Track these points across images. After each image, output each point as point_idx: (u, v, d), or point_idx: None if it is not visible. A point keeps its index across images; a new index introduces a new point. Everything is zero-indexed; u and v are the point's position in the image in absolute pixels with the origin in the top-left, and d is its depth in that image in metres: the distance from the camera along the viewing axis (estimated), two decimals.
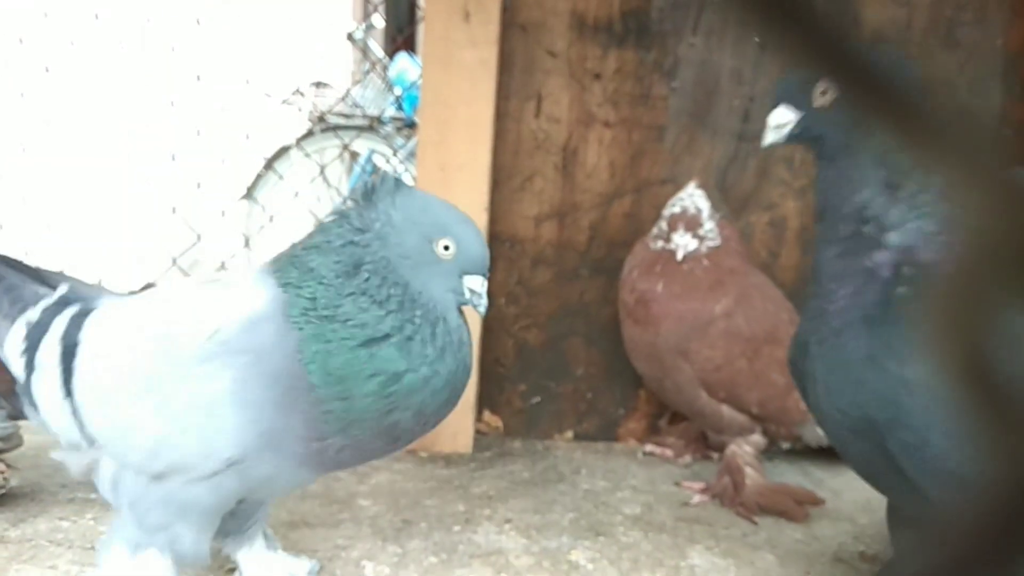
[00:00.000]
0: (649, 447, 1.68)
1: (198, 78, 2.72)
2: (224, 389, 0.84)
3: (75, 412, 0.93)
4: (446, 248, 0.88)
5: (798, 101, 0.98)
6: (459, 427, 1.60)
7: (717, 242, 1.46)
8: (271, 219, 2.99)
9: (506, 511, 1.36)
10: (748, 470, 1.44)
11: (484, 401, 1.71)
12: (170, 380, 0.87)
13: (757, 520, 1.38)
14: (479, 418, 1.71)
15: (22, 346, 0.97)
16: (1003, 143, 0.91)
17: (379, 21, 4.33)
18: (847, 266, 0.93)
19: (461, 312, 0.93)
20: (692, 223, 1.46)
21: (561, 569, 1.18)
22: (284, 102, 3.78)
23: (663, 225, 1.48)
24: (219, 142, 3.03)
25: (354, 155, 3.95)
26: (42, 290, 1.02)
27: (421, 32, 1.68)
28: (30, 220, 2.78)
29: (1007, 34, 1.62)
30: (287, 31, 3.96)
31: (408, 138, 3.69)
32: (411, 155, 3.50)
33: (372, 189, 0.89)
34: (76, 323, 0.95)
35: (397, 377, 0.85)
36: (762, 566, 1.23)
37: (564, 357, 1.71)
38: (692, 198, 1.47)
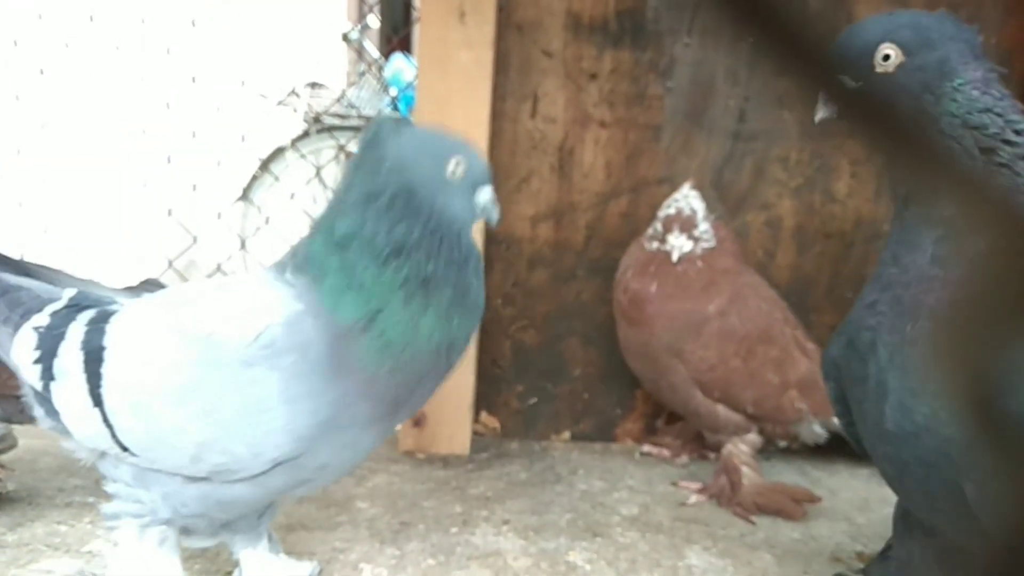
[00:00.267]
0: (646, 447, 1.68)
1: (194, 80, 2.72)
2: (274, 391, 0.85)
3: (105, 420, 0.90)
4: (454, 164, 0.90)
5: (857, 69, 0.88)
6: (456, 428, 1.60)
7: (712, 243, 1.46)
8: (267, 221, 2.99)
9: (504, 512, 1.36)
10: (745, 469, 1.44)
11: (481, 402, 1.71)
12: (215, 386, 0.86)
13: (754, 520, 1.38)
14: (476, 419, 1.71)
15: (35, 354, 0.94)
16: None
17: (374, 22, 4.32)
18: (955, 250, 0.81)
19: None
20: (687, 224, 1.46)
21: (559, 570, 1.18)
22: (280, 103, 3.78)
23: (658, 226, 1.49)
24: (215, 144, 3.03)
25: (350, 156, 3.95)
26: (45, 292, 0.99)
27: (417, 33, 1.68)
28: (26, 222, 2.78)
29: (1001, 32, 1.63)
30: (282, 32, 3.95)
31: None
32: None
33: (376, 134, 0.91)
34: (96, 328, 0.92)
35: (445, 311, 0.88)
36: (760, 566, 1.23)
37: (561, 358, 1.71)
38: (687, 199, 1.47)
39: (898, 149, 0.24)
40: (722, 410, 1.46)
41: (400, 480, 1.46)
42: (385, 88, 3.98)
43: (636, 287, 1.47)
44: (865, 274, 1.70)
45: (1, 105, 3.08)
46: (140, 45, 3.15)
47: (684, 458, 1.63)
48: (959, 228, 0.81)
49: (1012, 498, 0.23)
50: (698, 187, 1.50)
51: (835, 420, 1.52)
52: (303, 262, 0.89)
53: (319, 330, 0.85)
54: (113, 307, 0.95)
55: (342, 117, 3.79)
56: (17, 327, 0.96)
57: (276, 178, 3.42)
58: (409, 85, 3.69)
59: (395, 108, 3.90)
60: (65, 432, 0.96)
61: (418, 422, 1.59)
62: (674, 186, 1.57)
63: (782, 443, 1.54)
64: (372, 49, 4.14)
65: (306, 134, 3.60)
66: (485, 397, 1.71)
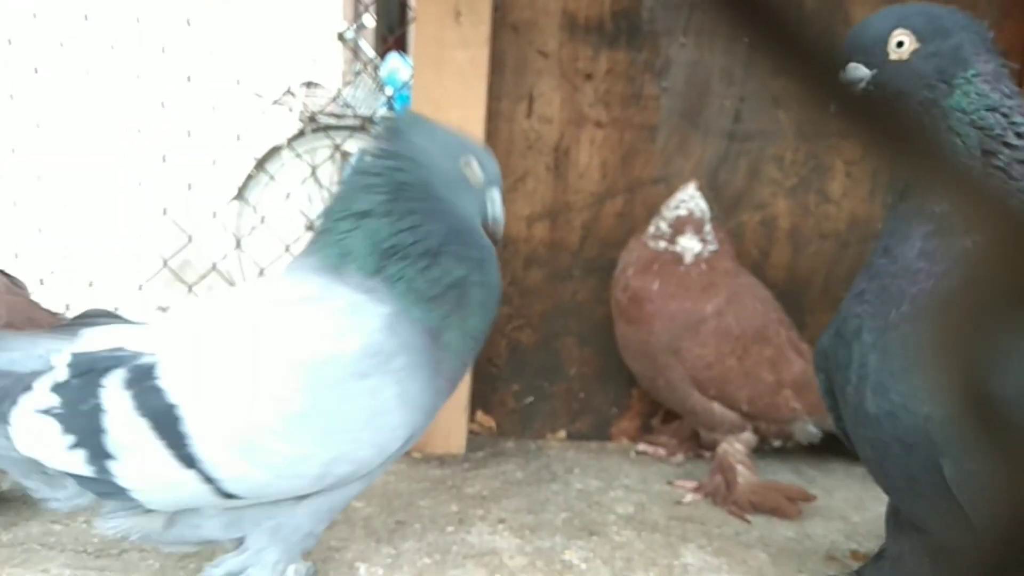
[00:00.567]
0: (642, 446, 1.68)
1: (189, 79, 2.71)
2: (391, 394, 0.86)
3: (206, 477, 0.83)
4: (466, 163, 0.93)
5: (871, 56, 0.88)
6: (452, 427, 1.60)
7: (715, 246, 1.48)
8: (262, 220, 2.98)
9: (499, 511, 1.36)
10: (740, 468, 1.45)
11: (477, 401, 1.71)
12: (334, 405, 0.85)
13: (750, 518, 1.39)
14: (472, 418, 1.71)
15: (67, 439, 0.83)
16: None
17: (370, 21, 4.32)
18: (942, 246, 0.83)
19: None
20: (698, 226, 1.47)
21: (555, 569, 1.19)
22: (275, 102, 3.77)
23: (663, 226, 1.49)
24: (210, 143, 3.02)
25: (345, 155, 3.94)
26: (6, 370, 0.86)
27: (412, 32, 1.68)
28: (21, 222, 2.77)
29: (998, 33, 1.62)
30: (278, 31, 3.95)
31: None
32: None
33: (395, 125, 0.94)
34: (147, 388, 0.83)
35: (492, 292, 0.95)
36: (755, 564, 1.23)
37: (557, 357, 1.71)
38: (695, 200, 1.48)
39: (899, 147, 0.25)
40: (718, 408, 1.47)
41: (396, 479, 1.46)
42: (381, 88, 3.98)
43: (637, 285, 1.48)
44: None
45: None
46: (135, 44, 3.14)
47: (680, 457, 1.64)
48: (949, 225, 0.83)
49: (998, 483, 0.23)
50: (701, 188, 1.51)
51: (828, 419, 1.54)
52: (361, 265, 0.89)
53: (411, 328, 0.88)
54: (139, 360, 0.85)
55: (338, 116, 3.78)
56: (3, 417, 0.84)
57: (272, 177, 3.42)
58: (405, 85, 3.69)
59: (391, 108, 3.89)
60: (129, 507, 0.86)
61: None
62: (670, 186, 1.58)
63: (776, 442, 1.54)
64: (368, 48, 4.13)
65: (302, 133, 3.59)
66: (481, 396, 1.71)
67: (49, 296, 1.76)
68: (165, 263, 2.28)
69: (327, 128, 3.63)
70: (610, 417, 1.74)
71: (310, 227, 3.52)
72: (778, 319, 1.51)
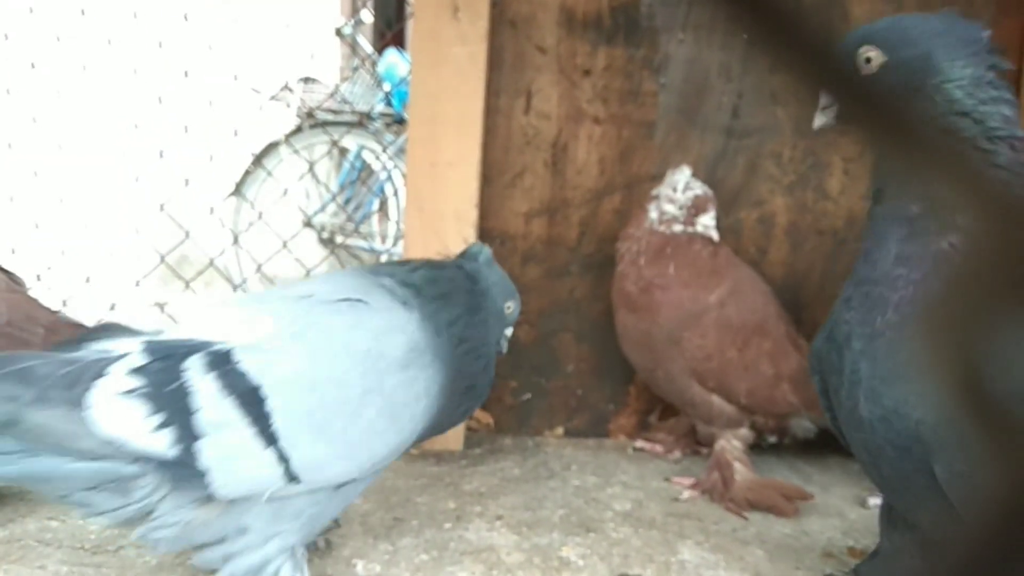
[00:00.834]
0: (639, 443, 1.68)
1: (186, 74, 2.71)
2: (422, 385, 1.01)
3: (283, 458, 0.89)
4: (509, 307, 1.18)
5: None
6: None
7: (717, 235, 1.50)
8: (260, 216, 2.98)
9: (497, 508, 1.36)
10: (737, 465, 1.45)
11: None
12: (386, 390, 0.97)
13: (747, 515, 1.39)
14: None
15: (156, 419, 0.85)
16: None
17: (368, 16, 4.31)
18: (918, 249, 0.85)
19: None
20: (713, 204, 1.49)
21: (552, 565, 1.19)
22: (272, 98, 3.77)
23: (672, 209, 1.48)
24: (207, 138, 3.02)
25: (343, 151, 3.94)
26: (68, 358, 0.88)
27: (410, 28, 1.68)
28: (18, 218, 2.77)
29: (994, 31, 1.62)
30: (275, 27, 3.94)
31: (398, 134, 3.68)
32: (401, 151, 3.50)
33: (477, 256, 1.16)
34: (229, 371, 0.88)
35: (483, 390, 1.15)
36: (752, 561, 1.24)
37: (554, 354, 1.71)
38: (696, 181, 1.49)
39: (898, 139, 0.25)
40: (717, 401, 1.47)
41: (393, 476, 1.46)
42: (378, 83, 3.98)
43: (651, 273, 1.47)
44: None
45: None
46: (132, 39, 3.14)
47: (677, 454, 1.64)
48: (924, 227, 0.84)
49: (993, 477, 0.23)
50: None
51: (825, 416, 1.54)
52: (402, 284, 1.05)
53: (431, 336, 1.04)
54: (214, 347, 0.90)
55: (335, 112, 3.78)
56: (77, 402, 0.84)
57: (269, 173, 3.41)
58: (403, 80, 3.68)
59: (389, 103, 3.89)
60: (193, 498, 0.88)
61: None
62: None
63: (772, 438, 1.54)
64: (366, 44, 4.13)
65: (299, 129, 3.59)
66: None
67: (46, 292, 1.75)
68: (162, 259, 2.27)
69: (325, 124, 3.62)
70: (607, 414, 1.74)
71: (307, 223, 3.52)
72: (777, 313, 1.51)
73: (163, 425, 0.85)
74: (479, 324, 1.10)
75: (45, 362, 0.86)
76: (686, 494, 1.46)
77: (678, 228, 1.48)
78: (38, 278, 2.14)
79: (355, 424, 0.94)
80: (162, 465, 0.86)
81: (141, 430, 0.85)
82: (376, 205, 3.89)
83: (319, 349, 0.94)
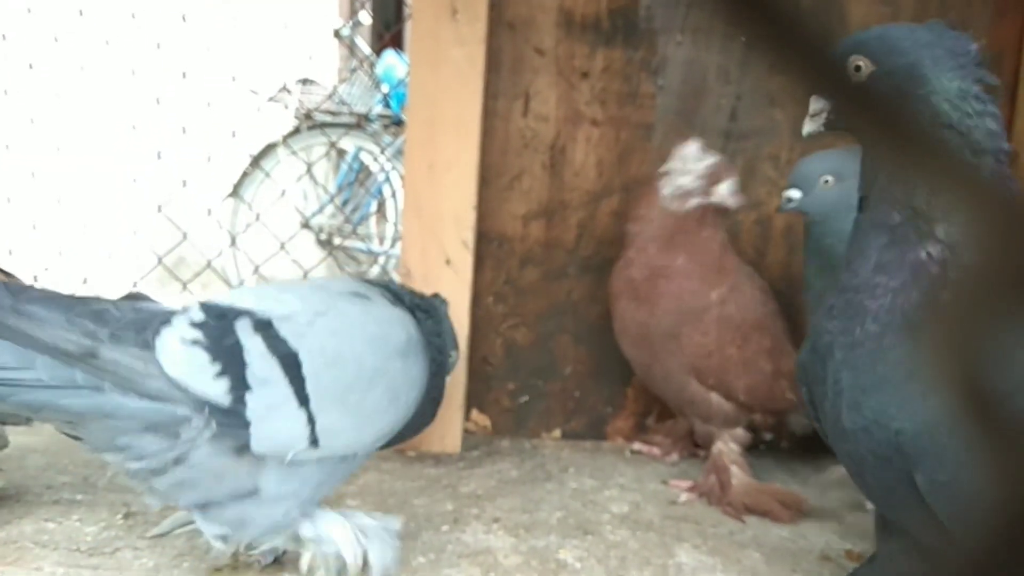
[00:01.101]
0: (637, 445, 1.68)
1: (184, 75, 2.71)
2: (418, 369, 1.13)
3: (310, 419, 0.99)
4: (452, 356, 1.27)
5: None
6: (447, 426, 1.60)
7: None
8: (257, 217, 2.98)
9: (494, 510, 1.36)
10: (734, 469, 1.45)
11: (472, 400, 1.71)
12: (393, 371, 1.09)
13: (744, 518, 1.39)
14: (467, 417, 1.70)
15: (214, 367, 0.94)
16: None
17: (366, 18, 4.31)
18: (896, 258, 0.85)
19: None
20: (732, 171, 1.44)
21: (549, 568, 1.19)
22: (271, 99, 3.76)
23: (688, 181, 1.43)
24: (205, 140, 3.02)
25: (341, 153, 3.94)
26: (135, 306, 0.98)
27: (408, 29, 1.68)
28: (15, 219, 2.76)
29: (992, 33, 1.63)
30: (274, 28, 3.94)
31: (395, 136, 3.68)
32: (399, 153, 3.50)
33: (435, 305, 1.25)
34: (273, 335, 0.98)
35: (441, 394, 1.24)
36: (749, 564, 1.24)
37: (552, 356, 1.71)
38: (708, 152, 1.45)
39: (887, 144, 0.25)
40: (715, 398, 1.46)
41: (391, 478, 1.46)
42: (377, 85, 3.98)
43: (659, 263, 1.45)
44: None
45: None
46: (130, 40, 3.14)
47: (674, 456, 1.64)
48: (903, 235, 0.85)
49: (996, 480, 0.23)
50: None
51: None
52: (393, 291, 1.19)
53: (421, 335, 1.16)
54: (257, 314, 1.00)
55: (333, 114, 3.78)
56: (147, 344, 0.93)
57: (267, 174, 3.41)
58: (401, 82, 3.68)
59: (387, 105, 3.89)
60: (232, 445, 0.96)
61: None
62: None
63: (768, 436, 1.54)
64: (364, 45, 4.13)
65: (297, 131, 3.59)
66: (476, 395, 1.71)
67: None
68: (160, 260, 2.27)
69: (323, 125, 3.62)
70: (605, 416, 1.74)
71: (305, 225, 3.52)
72: (775, 310, 1.52)
73: (220, 374, 0.95)
74: (442, 350, 1.21)
75: (116, 306, 0.95)
76: (683, 497, 1.46)
77: (694, 202, 1.43)
78: (35, 279, 2.14)
79: (366, 399, 1.05)
80: (213, 411, 0.94)
81: (202, 376, 0.94)
82: (374, 207, 3.89)
83: (340, 329, 1.05)
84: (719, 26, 1.62)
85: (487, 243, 1.65)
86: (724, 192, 1.43)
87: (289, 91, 3.82)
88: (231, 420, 0.95)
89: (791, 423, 1.53)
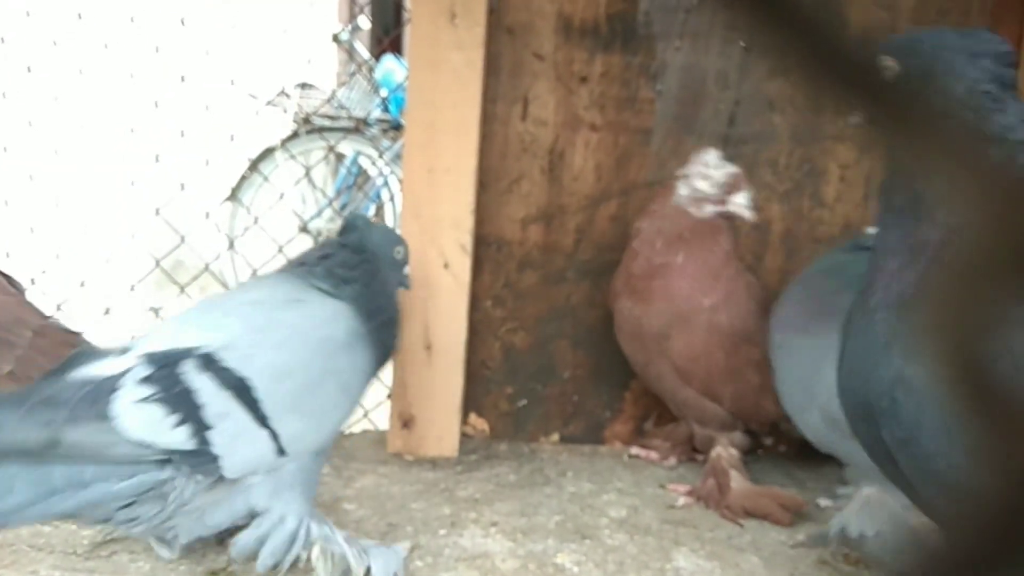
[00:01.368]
0: (635, 450, 1.68)
1: (183, 79, 2.71)
2: (363, 359, 1.17)
3: (273, 434, 1.04)
4: (398, 252, 1.29)
5: None
6: (445, 430, 1.60)
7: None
8: (255, 221, 2.97)
9: (492, 514, 1.36)
10: (733, 473, 1.45)
11: (470, 404, 1.70)
12: (341, 366, 1.14)
13: (742, 522, 1.39)
14: (465, 421, 1.70)
15: (174, 418, 0.97)
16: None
17: (365, 22, 4.32)
18: (899, 240, 0.92)
19: None
20: (746, 184, 1.44)
21: (547, 572, 1.18)
22: (269, 103, 3.77)
23: (704, 187, 1.43)
24: (203, 143, 3.01)
25: (340, 157, 3.94)
26: (78, 380, 0.98)
27: (407, 34, 1.68)
28: (13, 222, 2.76)
29: None
30: (272, 32, 3.94)
31: (394, 140, 3.69)
32: (397, 157, 3.50)
33: (356, 226, 1.26)
34: (218, 369, 1.01)
35: (396, 326, 1.28)
36: (747, 568, 1.24)
37: (550, 360, 1.71)
38: (728, 163, 1.45)
39: (900, 127, 0.25)
40: (709, 403, 1.47)
41: (388, 482, 1.46)
42: (375, 89, 3.98)
43: (661, 260, 1.45)
44: None
45: None
46: (129, 43, 3.14)
47: (672, 460, 1.64)
48: (905, 220, 0.92)
49: (994, 458, 0.23)
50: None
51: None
52: (325, 279, 1.18)
53: (362, 320, 1.18)
54: (199, 351, 1.02)
55: (332, 118, 3.79)
56: (103, 415, 0.94)
57: (265, 178, 3.41)
58: (399, 86, 3.68)
59: (385, 109, 3.89)
60: (207, 484, 1.01)
61: (406, 424, 1.59)
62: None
63: (768, 440, 1.54)
64: (362, 50, 4.13)
65: (295, 135, 3.59)
66: (474, 399, 1.71)
67: (41, 296, 1.75)
68: (157, 263, 2.27)
69: (321, 129, 3.63)
70: (603, 420, 1.74)
71: (303, 228, 3.52)
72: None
73: (180, 423, 0.98)
74: (380, 290, 1.23)
75: (62, 387, 0.96)
76: (682, 501, 1.46)
77: (709, 209, 1.43)
78: (32, 282, 2.13)
79: (320, 400, 1.11)
80: (183, 457, 0.98)
81: (163, 429, 0.97)
82: (372, 211, 3.90)
83: (283, 341, 1.09)
84: (718, 30, 1.62)
85: (486, 247, 1.65)
86: (740, 202, 1.43)
87: (288, 95, 3.82)
88: (201, 459, 0.99)
89: (790, 427, 1.53)
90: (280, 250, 2.63)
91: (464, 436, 1.68)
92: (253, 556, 1.07)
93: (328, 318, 1.15)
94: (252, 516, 1.08)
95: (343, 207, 3.87)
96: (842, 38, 0.23)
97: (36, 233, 2.64)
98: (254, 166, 3.52)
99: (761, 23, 0.23)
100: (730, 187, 1.44)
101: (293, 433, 1.07)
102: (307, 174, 3.15)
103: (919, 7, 1.63)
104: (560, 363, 1.71)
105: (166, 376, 0.99)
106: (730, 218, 1.46)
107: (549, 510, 1.39)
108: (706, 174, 1.44)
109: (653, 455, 1.65)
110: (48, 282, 2.37)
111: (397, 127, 3.77)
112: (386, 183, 3.72)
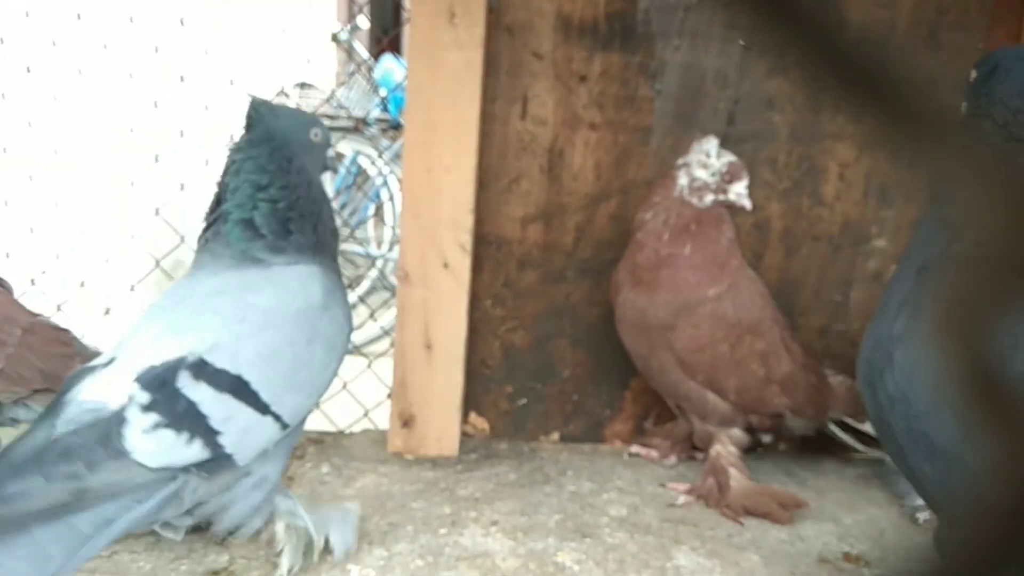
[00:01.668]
0: (635, 448, 1.68)
1: (182, 79, 2.71)
2: (341, 315, 1.18)
3: (276, 417, 1.07)
4: (315, 135, 1.22)
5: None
6: (445, 429, 1.60)
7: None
8: None
9: (492, 513, 1.36)
10: (732, 471, 1.45)
11: (470, 403, 1.71)
12: (322, 329, 1.14)
13: (743, 520, 1.39)
14: (465, 420, 1.70)
15: (184, 436, 0.99)
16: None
17: (364, 22, 4.32)
18: (928, 215, 1.02)
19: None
20: (745, 173, 1.46)
21: (547, 571, 1.19)
22: None
23: (704, 176, 1.44)
24: (203, 143, 3.01)
25: (339, 156, 3.94)
26: (85, 423, 0.97)
27: (406, 33, 1.68)
28: (12, 222, 2.76)
29: (989, 36, 1.64)
30: (272, 32, 3.94)
31: (394, 140, 3.69)
32: (397, 157, 3.50)
33: (256, 114, 1.18)
34: (211, 372, 1.02)
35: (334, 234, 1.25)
36: (747, 566, 1.24)
37: (550, 358, 1.71)
38: (725, 151, 1.46)
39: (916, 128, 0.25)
40: (711, 396, 1.47)
41: (388, 481, 1.46)
42: (375, 89, 3.98)
43: (668, 251, 1.45)
44: (852, 277, 1.71)
45: None
46: (128, 43, 3.13)
47: (672, 459, 1.64)
48: (937, 234, 0.99)
49: (1006, 461, 0.23)
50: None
51: (814, 419, 1.54)
52: (272, 245, 1.14)
53: (327, 270, 1.18)
54: (189, 360, 1.02)
55: (331, 118, 3.78)
56: (119, 453, 0.95)
57: None
58: (398, 86, 3.69)
59: (385, 109, 3.89)
60: (224, 480, 1.05)
61: (407, 423, 1.59)
62: None
63: (767, 438, 1.54)
64: (362, 50, 4.13)
65: None
66: (474, 398, 1.71)
67: (41, 296, 1.75)
68: (157, 263, 2.27)
69: None
70: (603, 419, 1.74)
71: None
72: (773, 316, 1.51)
73: (191, 438, 0.99)
74: (307, 195, 1.17)
75: (71, 435, 0.95)
76: (682, 499, 1.46)
77: (709, 198, 1.44)
78: (32, 282, 2.13)
79: (311, 367, 1.13)
80: (199, 465, 1.01)
81: (177, 449, 0.99)
82: (372, 210, 3.90)
83: (264, 325, 1.09)
84: (717, 29, 1.62)
85: (485, 246, 1.65)
86: (738, 191, 1.45)
87: (287, 95, 3.82)
88: (217, 462, 1.02)
89: (789, 425, 1.53)
90: None
91: (464, 435, 1.68)
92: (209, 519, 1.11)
93: (300, 287, 1.13)
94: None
95: (342, 207, 3.86)
96: (841, 37, 0.24)
97: (36, 233, 2.64)
98: None
99: (760, 22, 0.23)
100: (730, 176, 1.45)
101: (294, 408, 1.10)
102: None
103: (918, 6, 1.63)
104: (560, 362, 1.72)
105: (167, 397, 0.99)
106: (730, 207, 1.46)
107: (549, 509, 1.39)
108: (706, 163, 1.45)
109: (653, 453, 1.65)
110: (48, 282, 2.37)
111: (396, 127, 3.78)
112: (385, 183, 3.73)
